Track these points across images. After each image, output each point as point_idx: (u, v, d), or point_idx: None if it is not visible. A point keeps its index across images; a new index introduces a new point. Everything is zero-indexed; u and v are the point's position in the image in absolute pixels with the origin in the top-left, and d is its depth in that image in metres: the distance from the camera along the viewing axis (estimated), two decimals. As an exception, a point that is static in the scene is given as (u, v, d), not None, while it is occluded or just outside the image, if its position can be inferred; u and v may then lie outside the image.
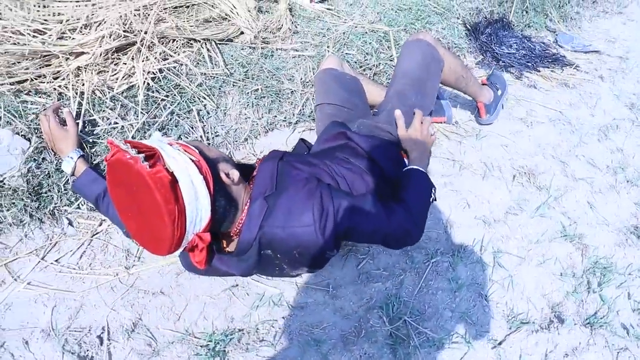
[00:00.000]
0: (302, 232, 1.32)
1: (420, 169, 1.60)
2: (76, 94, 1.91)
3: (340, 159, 1.63)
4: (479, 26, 3.16)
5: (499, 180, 2.27)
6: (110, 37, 2.05)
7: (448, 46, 2.91)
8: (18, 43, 1.92)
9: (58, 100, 1.88)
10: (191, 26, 2.25)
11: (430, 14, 3.00)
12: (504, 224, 2.10)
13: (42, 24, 2.05)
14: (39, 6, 2.12)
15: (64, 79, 1.94)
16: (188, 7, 2.38)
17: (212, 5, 2.40)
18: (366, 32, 2.68)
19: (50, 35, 2.00)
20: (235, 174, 1.34)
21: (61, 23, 2.05)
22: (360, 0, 2.94)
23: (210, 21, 2.36)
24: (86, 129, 1.87)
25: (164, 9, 2.25)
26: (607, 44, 3.60)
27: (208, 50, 2.27)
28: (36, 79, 1.91)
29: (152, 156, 1.20)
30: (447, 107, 2.33)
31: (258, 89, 2.23)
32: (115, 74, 2.03)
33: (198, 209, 1.23)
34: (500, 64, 3.01)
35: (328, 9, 2.79)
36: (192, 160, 1.25)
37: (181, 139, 2.01)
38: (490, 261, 1.95)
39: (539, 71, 3.06)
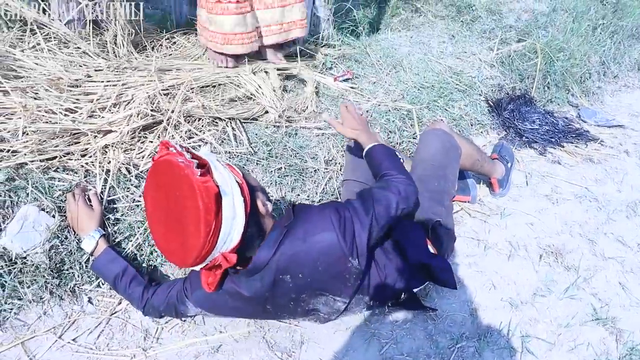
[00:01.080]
0: (323, 238, 1.39)
1: (375, 144, 1.75)
2: (102, 171, 1.95)
3: None
4: (502, 102, 3.18)
5: (525, 260, 2.22)
6: (137, 116, 2.12)
7: (471, 123, 2.93)
8: (50, 122, 1.98)
9: (85, 178, 1.92)
10: (217, 105, 2.31)
11: (453, 91, 3.04)
12: (531, 307, 2.03)
13: (74, 102, 2.12)
14: (72, 86, 2.20)
15: (91, 156, 1.99)
16: (214, 86, 2.45)
17: (238, 85, 2.47)
18: (389, 110, 2.72)
19: (81, 114, 2.06)
20: (269, 205, 1.42)
21: (92, 102, 2.12)
22: (384, 78, 3.00)
23: (236, 100, 2.42)
24: (110, 206, 1.89)
25: (191, 89, 2.32)
26: (631, 118, 3.58)
27: (233, 128, 2.31)
28: (64, 156, 1.96)
29: (202, 166, 1.25)
30: (472, 186, 2.33)
31: (281, 167, 2.25)
32: (141, 152, 2.08)
33: (232, 228, 1.27)
34: (523, 139, 3.00)
35: (351, 87, 2.85)
36: (237, 182, 1.31)
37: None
38: (518, 346, 1.88)
39: (563, 147, 3.04)
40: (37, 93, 2.14)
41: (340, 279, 1.45)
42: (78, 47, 2.50)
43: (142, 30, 2.77)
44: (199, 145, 2.18)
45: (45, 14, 2.44)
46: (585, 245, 2.35)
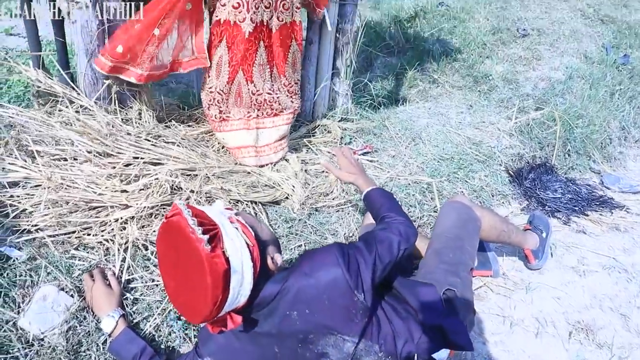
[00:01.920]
0: (329, 272, 1.42)
1: (373, 188, 1.85)
2: (120, 247, 1.97)
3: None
4: (522, 172, 3.17)
5: (553, 338, 2.14)
6: (157, 193, 2.16)
7: (492, 193, 2.91)
8: (71, 187, 2.07)
9: (104, 256, 1.94)
10: (237, 188, 2.34)
11: (473, 162, 3.05)
12: (563, 388, 1.95)
13: (97, 166, 2.19)
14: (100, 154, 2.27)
15: (110, 232, 2.01)
16: (237, 172, 2.51)
17: (259, 174, 2.51)
18: (409, 184, 2.73)
19: (101, 185, 2.12)
20: (278, 259, 1.46)
21: (114, 168, 2.19)
22: (403, 151, 3.03)
23: (257, 186, 2.45)
24: (128, 286, 1.90)
25: (213, 174, 2.37)
26: (656, 183, 3.53)
27: (253, 208, 2.33)
28: (83, 231, 2.00)
29: (213, 236, 1.28)
30: (493, 260, 2.28)
31: (301, 244, 2.25)
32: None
33: (240, 294, 1.32)
34: (546, 209, 2.97)
35: (370, 161, 2.87)
36: (247, 245, 1.35)
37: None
38: None
39: (587, 215, 3.00)
40: (65, 160, 2.23)
41: (347, 315, 1.46)
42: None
43: (164, 106, 2.85)
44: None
45: (74, 91, 2.53)
46: (617, 320, 2.27)
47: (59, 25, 2.57)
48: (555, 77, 4.37)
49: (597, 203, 3.11)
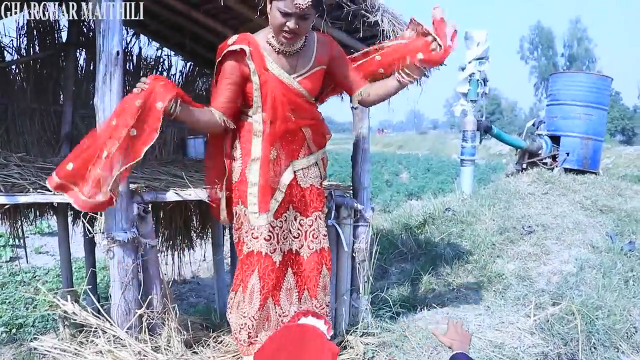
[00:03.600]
0: None
1: (462, 352, 2.08)
2: None
3: None
4: (550, 372, 3.15)
5: None
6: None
7: (521, 398, 2.88)
8: None
9: None
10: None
11: (497, 366, 3.06)
12: None
13: None
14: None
15: None
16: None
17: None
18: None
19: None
20: None
21: None
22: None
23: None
24: None
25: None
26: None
27: None
28: None
29: None
30: None
31: None
32: None
33: None
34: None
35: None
36: None
37: None
38: None
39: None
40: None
41: None
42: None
43: (190, 327, 2.97)
44: None
45: (107, 322, 2.68)
46: None
47: (90, 250, 2.81)
48: (566, 270, 4.49)
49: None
